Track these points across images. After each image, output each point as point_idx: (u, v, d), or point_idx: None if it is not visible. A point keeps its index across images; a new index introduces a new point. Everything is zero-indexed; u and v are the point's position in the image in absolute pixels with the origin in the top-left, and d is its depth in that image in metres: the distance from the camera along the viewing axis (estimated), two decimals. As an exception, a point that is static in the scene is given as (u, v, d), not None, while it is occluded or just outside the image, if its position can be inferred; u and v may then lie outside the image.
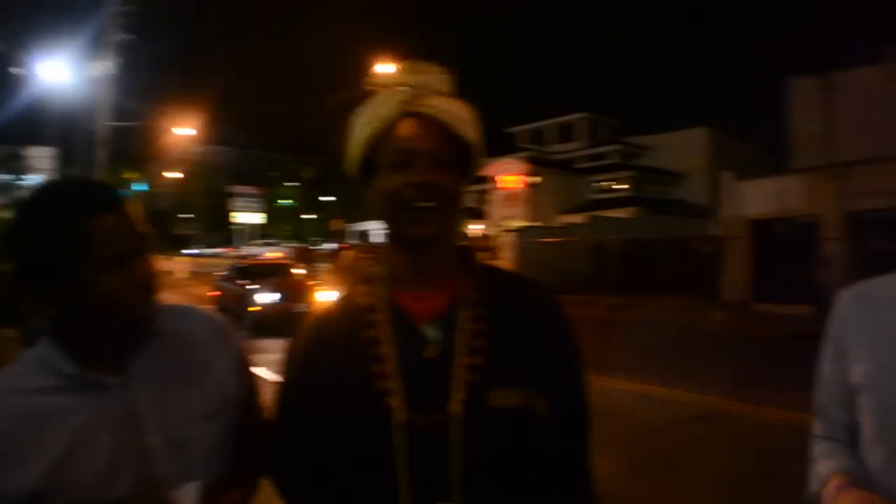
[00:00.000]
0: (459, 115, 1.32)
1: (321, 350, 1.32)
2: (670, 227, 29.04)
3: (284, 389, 1.38)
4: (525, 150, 45.69)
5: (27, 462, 1.22)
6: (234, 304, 16.00)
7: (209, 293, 18.97)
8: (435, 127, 1.29)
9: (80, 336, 1.30)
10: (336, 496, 1.25)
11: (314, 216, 70.65)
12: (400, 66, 1.33)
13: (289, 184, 71.80)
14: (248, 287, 16.38)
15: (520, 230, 30.31)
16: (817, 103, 26.05)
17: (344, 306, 1.37)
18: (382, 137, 1.30)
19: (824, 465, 1.45)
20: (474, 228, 37.61)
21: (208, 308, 1.64)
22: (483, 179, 39.87)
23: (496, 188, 38.57)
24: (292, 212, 72.06)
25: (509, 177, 37.60)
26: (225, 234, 71.04)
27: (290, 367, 1.37)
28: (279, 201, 71.79)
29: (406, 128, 1.29)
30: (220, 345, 1.49)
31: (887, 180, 17.74)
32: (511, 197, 36.84)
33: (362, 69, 24.48)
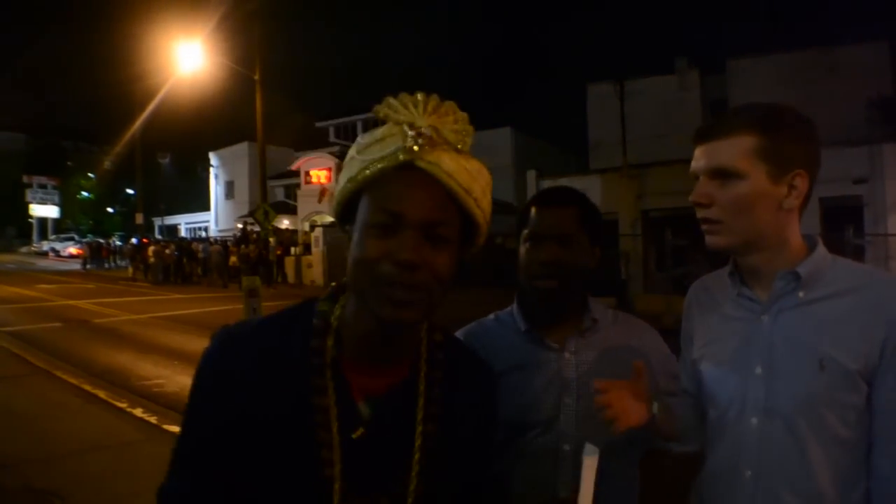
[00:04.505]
0: (472, 183, 1.08)
1: (254, 395, 1.10)
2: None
3: (192, 435, 1.15)
4: (335, 144, 43.96)
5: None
6: None
7: None
8: (439, 191, 1.05)
9: (522, 301, 1.81)
10: None
11: (117, 209, 65.55)
12: (417, 99, 1.07)
13: (90, 174, 65.74)
14: None
15: (329, 225, 28.92)
16: (612, 108, 26.76)
17: (284, 345, 1.14)
18: (371, 184, 1.06)
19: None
20: (283, 223, 35.73)
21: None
22: (293, 174, 38.23)
23: (306, 182, 36.96)
24: (94, 205, 66.16)
25: (319, 171, 36.10)
26: (19, 227, 64.41)
27: (203, 404, 1.14)
28: (82, 193, 65.69)
29: (402, 184, 1.04)
30: (651, 356, 1.71)
31: (677, 181, 18.15)
32: (321, 192, 35.33)
33: (166, 56, 23.12)
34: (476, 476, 1.26)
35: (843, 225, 16.21)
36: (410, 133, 1.04)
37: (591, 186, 21.79)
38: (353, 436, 1.10)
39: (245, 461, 1.10)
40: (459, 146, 1.07)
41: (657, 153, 23.00)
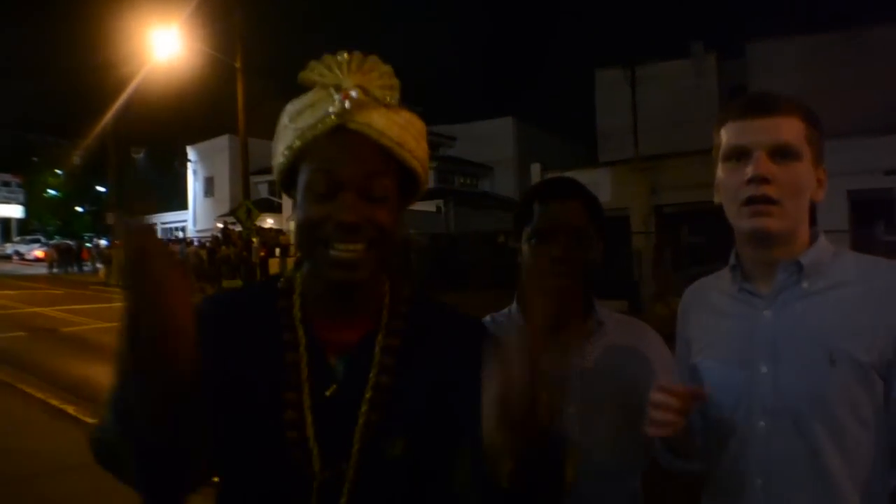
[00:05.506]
0: (404, 135, 1.18)
1: (229, 350, 1.21)
2: (478, 221, 29.35)
3: None
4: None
5: None
6: None
7: None
8: (372, 149, 1.15)
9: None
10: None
11: (87, 209, 65.53)
12: (340, 60, 1.16)
13: (58, 171, 65.70)
14: None
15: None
16: (623, 96, 26.83)
17: (255, 308, 1.28)
18: (307, 151, 1.17)
19: None
20: (267, 222, 35.72)
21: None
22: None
23: (293, 178, 37.06)
24: (62, 204, 66.12)
25: (307, 165, 36.18)
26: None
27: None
28: (49, 191, 65.66)
29: (335, 148, 1.14)
30: (656, 362, 1.77)
31: (693, 174, 18.21)
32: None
33: (140, 42, 23.09)
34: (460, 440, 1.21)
35: (872, 220, 16.23)
36: (338, 96, 1.14)
37: (600, 180, 21.77)
38: (327, 393, 1.19)
39: (218, 418, 1.13)
40: (387, 100, 1.17)
41: (671, 144, 23.03)
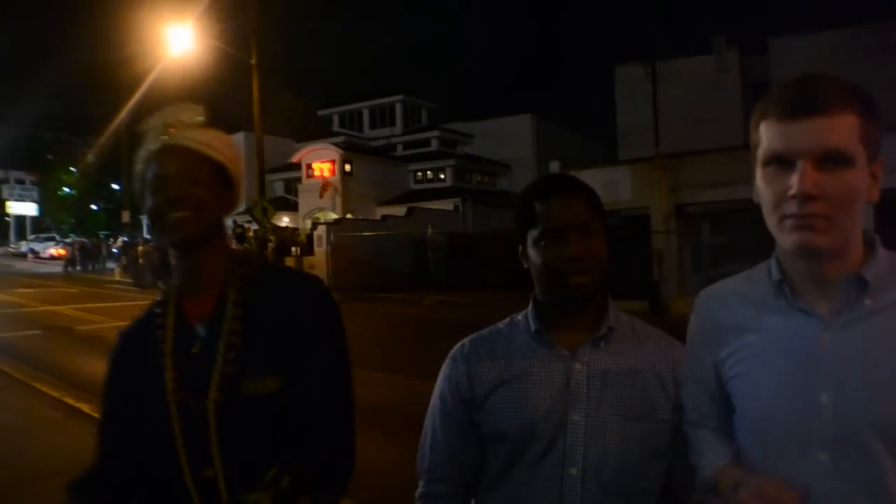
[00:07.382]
0: (211, 141, 1.68)
1: (126, 346, 1.77)
2: (496, 220, 29.34)
3: (104, 383, 1.77)
4: (339, 134, 43.96)
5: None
6: None
7: None
8: (187, 154, 1.64)
9: (536, 299, 1.78)
10: (140, 464, 1.67)
11: (102, 206, 65.97)
12: (159, 111, 1.70)
13: (72, 169, 66.16)
14: None
15: (333, 222, 29.09)
16: (643, 92, 26.69)
17: (148, 309, 1.79)
18: (147, 170, 1.66)
19: (710, 455, 1.52)
20: (283, 221, 35.84)
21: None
22: (293, 166, 38.31)
23: (307, 176, 37.05)
24: (76, 202, 66.59)
25: (321, 164, 36.17)
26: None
27: (109, 362, 1.77)
28: (63, 189, 66.11)
29: (161, 157, 1.64)
30: (666, 361, 1.71)
31: (715, 172, 18.12)
32: (324, 186, 35.44)
33: (155, 39, 23.20)
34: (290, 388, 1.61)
35: (899, 220, 16.06)
36: (159, 127, 1.68)
37: (620, 178, 21.70)
38: (194, 350, 1.62)
39: (129, 395, 1.68)
40: (197, 122, 1.72)
41: (693, 141, 22.93)
